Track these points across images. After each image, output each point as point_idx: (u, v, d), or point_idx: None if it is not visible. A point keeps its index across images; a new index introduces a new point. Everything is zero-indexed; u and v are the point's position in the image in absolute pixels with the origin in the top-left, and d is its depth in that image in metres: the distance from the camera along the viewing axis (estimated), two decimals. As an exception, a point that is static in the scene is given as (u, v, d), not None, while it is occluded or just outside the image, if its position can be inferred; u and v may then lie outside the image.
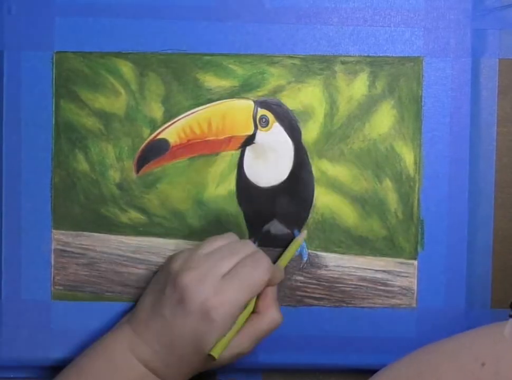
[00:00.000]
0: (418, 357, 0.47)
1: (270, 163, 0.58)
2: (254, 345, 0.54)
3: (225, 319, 0.51)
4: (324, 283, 0.59)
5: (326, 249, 0.59)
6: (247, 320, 0.53)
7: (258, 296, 0.54)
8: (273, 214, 0.59)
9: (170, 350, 0.52)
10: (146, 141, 0.58)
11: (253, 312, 0.54)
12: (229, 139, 0.58)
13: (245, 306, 0.53)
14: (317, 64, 0.58)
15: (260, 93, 0.58)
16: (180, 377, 0.53)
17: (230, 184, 0.59)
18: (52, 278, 0.59)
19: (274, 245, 0.59)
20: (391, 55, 0.58)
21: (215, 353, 0.51)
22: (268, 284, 0.53)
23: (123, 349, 0.52)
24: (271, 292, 0.54)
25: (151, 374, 0.52)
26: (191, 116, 0.58)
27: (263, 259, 0.53)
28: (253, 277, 0.52)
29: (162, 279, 0.54)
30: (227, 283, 0.51)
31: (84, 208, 0.59)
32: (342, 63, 0.58)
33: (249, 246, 0.54)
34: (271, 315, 0.54)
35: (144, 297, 0.55)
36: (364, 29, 0.58)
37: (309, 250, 0.59)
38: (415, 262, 0.58)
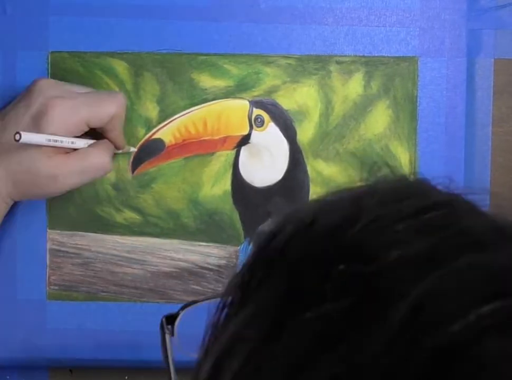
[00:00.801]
0: None
1: (265, 163, 0.58)
2: (74, 178, 0.53)
3: (60, 120, 0.51)
4: (319, 283, 0.59)
5: (322, 249, 0.58)
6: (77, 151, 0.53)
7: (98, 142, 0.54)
8: (268, 214, 0.59)
9: (11, 165, 0.52)
10: (141, 141, 0.58)
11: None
12: (225, 139, 0.58)
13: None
14: (312, 64, 0.58)
15: (255, 93, 0.58)
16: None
17: (226, 184, 0.59)
18: (47, 278, 0.59)
19: (269, 245, 0.59)
20: (386, 55, 0.58)
21: (24, 135, 0.50)
22: (113, 139, 0.55)
23: None
24: (109, 144, 0.55)
25: (1, 204, 0.53)
26: (186, 116, 0.58)
27: (118, 95, 0.54)
28: (102, 100, 0.53)
29: None
30: (76, 94, 0.53)
31: (80, 208, 0.59)
32: (337, 62, 0.58)
33: None
34: (102, 153, 0.54)
35: None
36: (359, 29, 0.58)
37: (304, 250, 0.58)
38: (410, 262, 0.58)
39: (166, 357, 0.37)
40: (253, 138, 0.58)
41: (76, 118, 0.52)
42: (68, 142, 0.52)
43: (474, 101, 0.58)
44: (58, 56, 0.58)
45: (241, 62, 0.58)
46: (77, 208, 0.59)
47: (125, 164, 0.58)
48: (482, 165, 0.58)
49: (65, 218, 0.59)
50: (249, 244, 0.59)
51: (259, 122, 0.58)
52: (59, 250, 0.59)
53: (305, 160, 0.58)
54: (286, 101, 0.58)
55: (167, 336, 0.37)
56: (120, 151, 0.57)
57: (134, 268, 0.59)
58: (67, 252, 0.59)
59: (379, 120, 0.58)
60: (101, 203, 0.59)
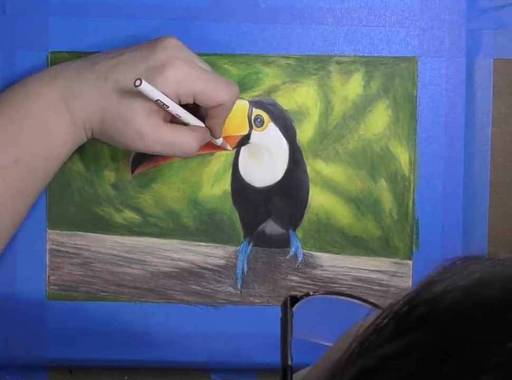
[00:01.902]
0: None
1: (265, 163, 0.58)
2: (157, 146, 0.52)
3: (176, 72, 0.50)
4: (319, 283, 0.59)
5: (321, 249, 0.59)
6: (172, 125, 0.52)
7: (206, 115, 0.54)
8: (268, 214, 0.59)
9: (107, 102, 0.51)
10: (141, 141, 0.58)
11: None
12: (224, 139, 0.58)
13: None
14: (312, 64, 0.58)
15: (255, 93, 0.58)
16: (88, 113, 0.52)
17: (225, 184, 0.59)
18: (47, 278, 0.59)
19: (269, 245, 0.59)
20: (386, 55, 0.58)
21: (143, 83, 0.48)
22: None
23: (53, 98, 0.52)
24: (205, 132, 0.54)
25: (81, 132, 0.52)
26: (186, 116, 0.58)
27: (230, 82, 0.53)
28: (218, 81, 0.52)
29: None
30: (205, 72, 0.52)
31: (79, 208, 0.59)
32: (337, 63, 0.58)
33: None
34: (192, 137, 0.53)
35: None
36: (359, 29, 0.58)
37: (304, 251, 0.59)
38: (410, 262, 0.58)
39: (285, 337, 0.36)
40: (253, 138, 0.58)
41: (188, 88, 0.50)
42: (174, 111, 0.51)
43: (473, 101, 0.58)
44: (58, 56, 0.58)
45: (241, 62, 0.58)
46: (77, 208, 0.59)
47: (125, 164, 0.58)
48: (482, 166, 0.58)
49: (65, 218, 0.59)
50: (248, 244, 0.59)
51: (259, 122, 0.58)
52: (59, 251, 0.59)
53: (305, 160, 0.58)
54: (286, 101, 0.58)
55: (288, 316, 0.36)
56: (218, 144, 0.56)
57: (134, 268, 0.59)
58: (66, 252, 0.59)
59: (379, 120, 0.58)
60: (100, 203, 0.59)
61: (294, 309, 0.36)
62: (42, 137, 0.52)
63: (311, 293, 0.36)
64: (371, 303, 0.34)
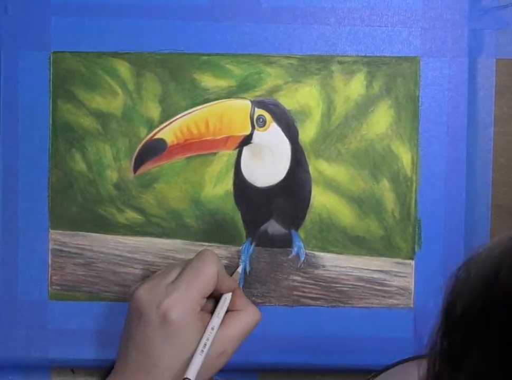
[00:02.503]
0: None
1: (267, 163, 0.58)
2: (238, 344, 0.53)
3: (183, 316, 0.50)
4: (321, 283, 0.59)
5: (324, 249, 0.59)
6: (227, 321, 0.53)
7: (233, 298, 0.54)
8: (270, 214, 0.59)
9: (150, 374, 0.51)
10: (143, 141, 0.58)
11: (228, 312, 0.54)
12: (226, 139, 0.58)
13: (209, 311, 0.53)
14: (314, 64, 0.58)
15: (257, 93, 0.58)
16: None
17: (228, 184, 0.59)
18: (49, 278, 0.59)
19: (271, 245, 0.59)
20: (388, 55, 0.58)
21: (191, 375, 0.49)
22: (225, 289, 0.54)
23: None
24: (240, 291, 0.55)
25: None
26: (188, 116, 0.58)
27: (207, 252, 0.53)
28: (200, 269, 0.52)
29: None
30: (176, 283, 0.51)
31: (81, 208, 0.59)
32: (339, 63, 0.58)
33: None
34: (252, 310, 0.54)
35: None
36: (361, 29, 0.58)
37: (306, 250, 0.59)
38: (412, 262, 0.58)
39: None
40: (255, 138, 0.58)
41: (193, 304, 0.51)
42: (211, 332, 0.52)
43: (476, 101, 0.58)
44: (60, 56, 0.58)
45: (243, 62, 0.58)
46: (79, 208, 0.59)
47: (127, 164, 0.58)
48: (484, 166, 0.58)
49: (67, 218, 0.59)
50: (251, 244, 0.59)
51: (261, 122, 0.58)
52: (61, 251, 0.59)
53: (307, 160, 0.58)
54: (288, 101, 0.58)
55: None
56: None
57: (136, 268, 0.59)
58: (69, 252, 0.59)
59: (381, 120, 0.58)
60: (103, 204, 0.59)
61: None
62: None
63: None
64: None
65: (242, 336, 0.53)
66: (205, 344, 0.50)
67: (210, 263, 0.52)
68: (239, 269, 0.58)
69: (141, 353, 0.51)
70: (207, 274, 0.52)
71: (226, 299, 0.54)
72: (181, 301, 0.50)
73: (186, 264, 0.53)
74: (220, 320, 0.52)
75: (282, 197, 0.58)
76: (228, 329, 0.53)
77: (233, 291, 0.54)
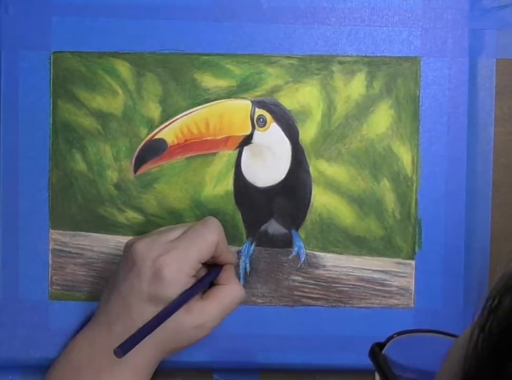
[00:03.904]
0: None
1: (268, 163, 0.58)
2: (218, 319, 0.53)
3: (176, 276, 0.51)
4: (321, 283, 0.59)
5: (324, 249, 0.59)
6: (208, 294, 0.53)
7: (221, 272, 0.54)
8: (271, 214, 0.59)
9: (127, 328, 0.51)
10: (144, 141, 0.58)
11: (213, 285, 0.55)
12: (227, 139, 0.58)
13: (197, 272, 0.53)
14: (314, 64, 0.58)
15: (257, 93, 0.58)
16: (150, 359, 0.53)
17: (228, 184, 0.59)
18: (50, 278, 0.59)
19: (271, 245, 0.59)
20: (388, 55, 0.58)
21: (123, 349, 0.48)
22: (222, 260, 0.54)
23: (84, 350, 0.53)
24: (231, 268, 0.55)
25: (114, 367, 0.52)
26: (188, 116, 0.58)
27: (212, 220, 0.53)
28: (201, 235, 0.52)
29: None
30: (176, 242, 0.52)
31: (82, 208, 0.59)
32: (340, 63, 0.58)
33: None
34: (234, 286, 0.54)
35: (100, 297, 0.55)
36: (362, 29, 0.58)
37: (307, 250, 0.59)
38: (413, 262, 0.58)
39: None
40: (255, 138, 0.58)
41: (189, 265, 0.51)
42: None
43: (476, 101, 0.58)
44: (60, 56, 0.58)
45: (243, 62, 0.58)
46: (79, 208, 0.59)
47: (128, 164, 0.58)
48: (484, 166, 0.58)
49: (68, 218, 0.59)
50: (251, 244, 0.59)
51: (262, 122, 0.58)
52: (61, 251, 0.59)
53: (308, 160, 0.58)
54: (288, 101, 0.58)
55: (382, 362, 0.37)
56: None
57: (137, 269, 0.59)
58: (69, 252, 0.59)
59: (382, 120, 0.58)
60: (103, 204, 0.59)
61: (384, 351, 0.37)
62: None
63: (395, 336, 0.38)
64: (452, 335, 0.35)
65: (221, 312, 0.53)
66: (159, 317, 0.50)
67: (213, 230, 0.52)
68: (238, 251, 0.58)
69: (123, 305, 0.52)
70: (208, 240, 0.52)
71: (214, 271, 0.54)
72: (177, 260, 0.51)
73: (189, 227, 0.53)
74: (193, 293, 0.52)
75: (282, 197, 0.58)
76: (208, 302, 0.53)
77: (233, 263, 0.55)
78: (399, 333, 0.38)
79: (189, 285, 0.52)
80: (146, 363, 0.53)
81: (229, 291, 0.54)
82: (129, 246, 0.53)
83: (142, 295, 0.51)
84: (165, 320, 0.50)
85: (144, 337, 0.49)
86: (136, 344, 0.48)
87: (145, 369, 0.53)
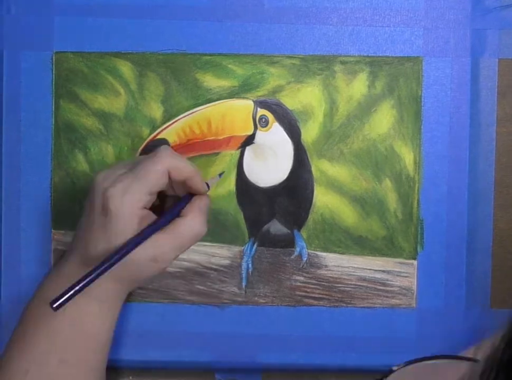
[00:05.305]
0: None
1: (270, 163, 0.58)
2: (172, 253, 0.51)
3: (120, 208, 0.49)
4: (323, 283, 0.59)
5: (326, 249, 0.59)
6: (170, 224, 0.51)
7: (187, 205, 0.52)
8: (273, 214, 0.59)
9: (85, 262, 0.50)
10: (146, 141, 0.58)
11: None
12: (229, 139, 0.58)
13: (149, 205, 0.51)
14: (316, 64, 0.58)
15: (260, 93, 0.58)
16: (111, 290, 0.52)
17: (230, 184, 0.59)
18: (52, 278, 0.59)
19: (273, 245, 0.59)
20: (390, 55, 0.58)
21: (56, 301, 0.47)
22: (192, 188, 0.52)
23: (52, 284, 0.52)
24: (199, 199, 0.52)
25: (84, 294, 0.50)
26: (190, 116, 0.58)
27: (161, 149, 0.51)
28: (147, 165, 0.50)
29: None
30: (124, 175, 0.50)
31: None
32: (342, 63, 0.58)
33: None
34: (192, 220, 0.51)
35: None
36: (364, 29, 0.58)
37: (309, 250, 0.59)
38: (415, 262, 0.58)
39: None
40: (258, 138, 0.58)
41: (135, 198, 0.49)
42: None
43: (478, 101, 0.58)
44: (62, 56, 0.58)
45: (245, 62, 0.58)
46: (81, 208, 0.59)
47: (130, 164, 0.58)
48: (487, 166, 0.58)
49: (70, 218, 0.59)
50: (253, 244, 0.59)
51: (264, 122, 0.58)
52: (63, 251, 0.59)
53: (310, 160, 0.58)
54: (290, 101, 0.58)
55: None
56: (210, 186, 0.54)
57: (139, 269, 0.59)
58: (71, 252, 0.59)
59: (384, 120, 0.58)
60: (105, 204, 0.58)
61: None
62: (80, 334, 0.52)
63: (395, 368, 0.37)
64: (458, 358, 0.34)
65: (175, 246, 0.51)
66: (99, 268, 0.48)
67: (160, 160, 0.50)
68: (214, 180, 0.56)
69: (81, 237, 0.52)
70: (153, 171, 0.50)
71: (180, 203, 0.52)
72: (121, 193, 0.49)
73: (142, 158, 0.52)
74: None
75: (284, 197, 0.58)
76: (163, 235, 0.50)
77: (203, 193, 0.52)
78: (398, 366, 0.38)
79: (135, 217, 0.50)
80: (109, 295, 0.52)
81: (185, 224, 0.50)
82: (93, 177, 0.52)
83: (95, 228, 0.50)
84: (110, 267, 0.49)
85: (81, 290, 0.47)
86: (73, 295, 0.47)
87: (110, 301, 0.52)
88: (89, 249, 0.50)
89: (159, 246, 0.50)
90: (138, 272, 0.51)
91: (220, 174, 0.57)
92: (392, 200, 0.58)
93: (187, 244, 0.51)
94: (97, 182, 0.51)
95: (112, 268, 0.49)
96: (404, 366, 0.37)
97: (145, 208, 0.50)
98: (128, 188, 0.49)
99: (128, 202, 0.49)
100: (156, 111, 0.58)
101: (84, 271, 0.49)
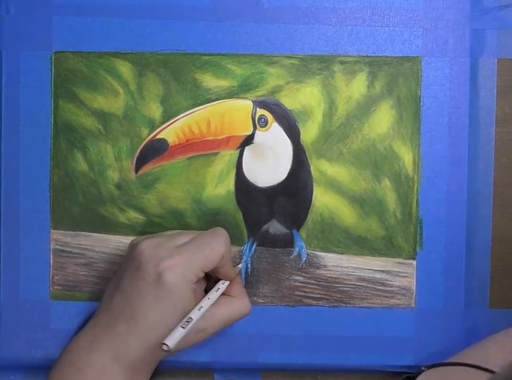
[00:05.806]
0: None
1: (269, 163, 0.58)
2: (219, 329, 0.54)
3: (177, 282, 0.50)
4: (323, 283, 0.59)
5: (325, 249, 0.59)
6: (217, 302, 0.54)
7: (230, 283, 0.55)
8: (272, 214, 0.59)
9: (129, 329, 0.51)
10: (145, 141, 0.58)
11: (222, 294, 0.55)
12: (228, 139, 0.58)
13: (203, 288, 0.54)
14: (316, 64, 0.58)
15: (259, 93, 0.58)
16: (149, 358, 0.53)
17: (229, 184, 0.59)
18: (51, 278, 0.59)
19: (272, 245, 0.59)
20: (390, 55, 0.58)
21: (170, 342, 0.49)
22: (223, 274, 0.54)
23: (84, 350, 0.52)
24: (241, 282, 0.56)
25: (115, 366, 0.51)
26: (190, 116, 0.58)
27: (221, 231, 0.53)
28: (209, 244, 0.52)
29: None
30: (182, 248, 0.52)
31: (83, 208, 0.59)
32: (341, 63, 0.58)
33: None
34: (244, 301, 0.55)
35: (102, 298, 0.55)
36: (363, 29, 0.58)
37: (308, 250, 0.59)
38: (414, 262, 0.58)
39: None
40: (257, 138, 0.58)
41: (192, 273, 0.51)
42: (198, 312, 0.52)
43: (477, 101, 0.58)
44: (61, 56, 0.58)
45: (244, 62, 0.58)
46: (80, 208, 0.59)
47: (129, 164, 0.58)
48: (486, 166, 0.58)
49: (69, 218, 0.59)
50: (252, 244, 0.59)
51: (263, 122, 0.58)
52: (62, 251, 0.59)
53: (309, 160, 0.58)
54: (289, 101, 0.58)
55: None
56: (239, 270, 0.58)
57: (138, 268, 0.59)
58: (70, 252, 0.59)
59: (383, 120, 0.58)
60: (104, 204, 0.59)
61: None
62: None
63: (424, 368, 0.37)
64: (483, 369, 0.34)
65: (225, 322, 0.54)
66: (188, 321, 0.50)
67: (221, 241, 0.53)
68: (240, 266, 0.58)
69: (126, 305, 0.51)
70: (214, 250, 0.52)
71: (222, 285, 0.55)
72: (180, 266, 0.51)
73: (197, 234, 0.53)
74: (210, 303, 0.53)
75: (283, 197, 0.58)
76: (216, 310, 0.53)
77: (233, 279, 0.55)
78: (428, 366, 0.38)
79: (190, 292, 0.51)
80: (145, 362, 0.53)
81: (238, 305, 0.55)
82: (133, 246, 0.53)
83: (146, 296, 0.51)
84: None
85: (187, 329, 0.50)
86: (180, 337, 0.50)
87: (145, 369, 0.53)
88: (136, 317, 0.51)
89: (212, 320, 0.53)
90: (183, 342, 0.51)
91: (240, 264, 0.58)
92: (391, 200, 0.58)
93: (236, 321, 0.55)
94: (147, 252, 0.51)
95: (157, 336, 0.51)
96: (433, 367, 0.37)
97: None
98: (187, 262, 0.51)
99: (186, 277, 0.51)
100: (155, 111, 0.58)
101: (124, 339, 0.50)
